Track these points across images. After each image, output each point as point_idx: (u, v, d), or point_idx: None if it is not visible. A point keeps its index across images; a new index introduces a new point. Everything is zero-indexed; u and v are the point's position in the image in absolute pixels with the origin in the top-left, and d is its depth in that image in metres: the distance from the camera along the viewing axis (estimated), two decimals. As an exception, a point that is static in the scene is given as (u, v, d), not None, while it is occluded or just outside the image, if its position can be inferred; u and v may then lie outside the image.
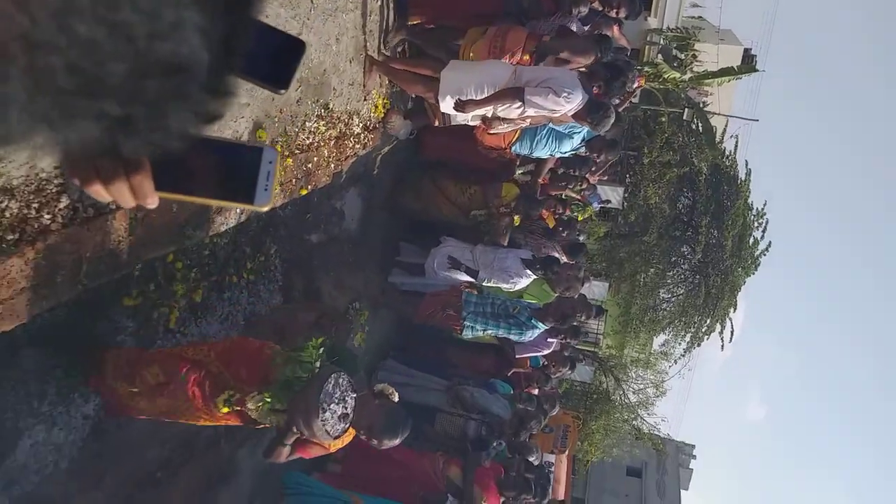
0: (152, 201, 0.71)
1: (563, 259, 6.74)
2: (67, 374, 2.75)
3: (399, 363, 6.53)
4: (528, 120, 4.72)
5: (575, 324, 6.14)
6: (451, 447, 5.65)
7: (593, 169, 7.31)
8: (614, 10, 5.14)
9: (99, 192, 0.68)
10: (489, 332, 5.86)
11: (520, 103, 4.37)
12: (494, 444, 5.83)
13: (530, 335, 5.78)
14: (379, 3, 4.75)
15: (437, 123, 5.33)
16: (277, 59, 0.77)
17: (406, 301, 6.25)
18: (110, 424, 3.05)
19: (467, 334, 5.80)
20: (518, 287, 5.99)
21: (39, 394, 2.63)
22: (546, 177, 7.44)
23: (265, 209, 0.74)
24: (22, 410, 2.57)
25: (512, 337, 5.86)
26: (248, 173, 0.74)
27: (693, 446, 30.86)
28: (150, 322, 3.34)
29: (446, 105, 4.54)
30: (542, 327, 5.80)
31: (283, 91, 0.77)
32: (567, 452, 11.99)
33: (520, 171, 6.95)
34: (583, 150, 6.27)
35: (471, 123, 5.14)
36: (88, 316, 2.89)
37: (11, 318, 2.14)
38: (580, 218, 7.90)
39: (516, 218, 5.99)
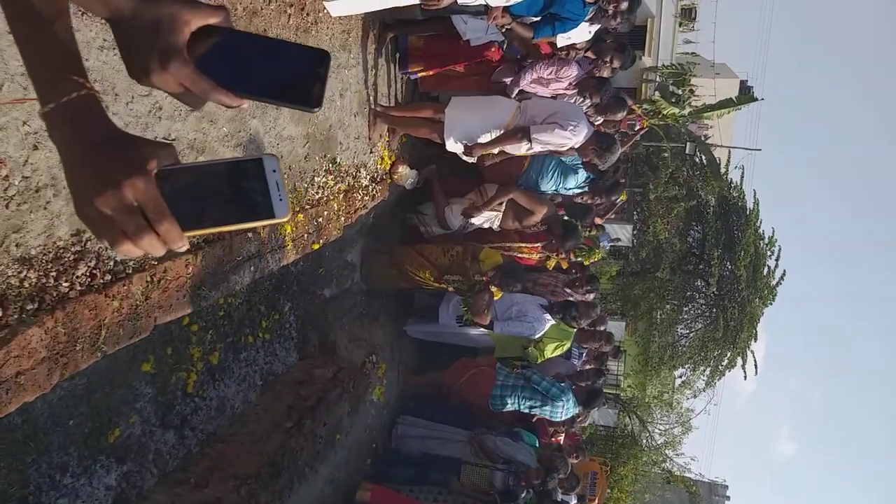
0: (183, 244, 0.71)
1: (576, 297, 6.70)
2: (88, 445, 2.71)
3: (418, 416, 6.44)
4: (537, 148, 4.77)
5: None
6: (479, 500, 5.50)
7: (601, 211, 7.28)
8: (607, 62, 5.17)
9: (130, 249, 0.70)
10: (519, 404, 5.95)
11: (527, 142, 4.40)
12: (523, 494, 5.68)
13: (561, 409, 5.86)
14: (381, 57, 4.86)
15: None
16: (302, 76, 0.73)
17: (429, 378, 6.52)
18: (132, 494, 2.98)
19: (495, 404, 5.90)
20: (538, 333, 5.91)
21: (61, 466, 2.59)
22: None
23: (286, 219, 0.72)
24: (44, 484, 2.53)
25: (545, 415, 5.96)
26: (257, 188, 0.72)
27: (727, 486, 29.84)
28: (168, 387, 3.30)
29: (452, 146, 4.59)
30: (570, 397, 5.84)
31: (317, 109, 0.74)
32: (597, 501, 11.63)
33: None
34: (586, 189, 6.28)
35: (484, 226, 5.37)
36: (106, 384, 2.86)
37: (33, 388, 2.12)
38: (586, 262, 7.85)
39: (496, 292, 5.41)
